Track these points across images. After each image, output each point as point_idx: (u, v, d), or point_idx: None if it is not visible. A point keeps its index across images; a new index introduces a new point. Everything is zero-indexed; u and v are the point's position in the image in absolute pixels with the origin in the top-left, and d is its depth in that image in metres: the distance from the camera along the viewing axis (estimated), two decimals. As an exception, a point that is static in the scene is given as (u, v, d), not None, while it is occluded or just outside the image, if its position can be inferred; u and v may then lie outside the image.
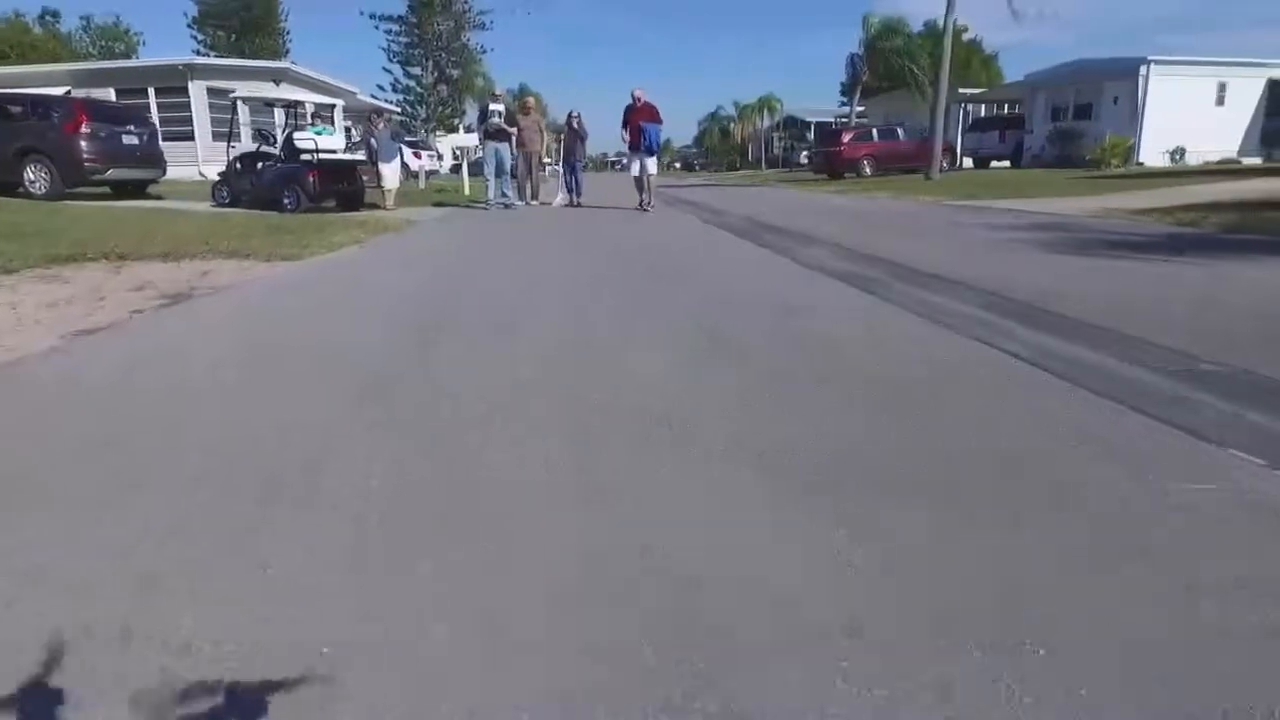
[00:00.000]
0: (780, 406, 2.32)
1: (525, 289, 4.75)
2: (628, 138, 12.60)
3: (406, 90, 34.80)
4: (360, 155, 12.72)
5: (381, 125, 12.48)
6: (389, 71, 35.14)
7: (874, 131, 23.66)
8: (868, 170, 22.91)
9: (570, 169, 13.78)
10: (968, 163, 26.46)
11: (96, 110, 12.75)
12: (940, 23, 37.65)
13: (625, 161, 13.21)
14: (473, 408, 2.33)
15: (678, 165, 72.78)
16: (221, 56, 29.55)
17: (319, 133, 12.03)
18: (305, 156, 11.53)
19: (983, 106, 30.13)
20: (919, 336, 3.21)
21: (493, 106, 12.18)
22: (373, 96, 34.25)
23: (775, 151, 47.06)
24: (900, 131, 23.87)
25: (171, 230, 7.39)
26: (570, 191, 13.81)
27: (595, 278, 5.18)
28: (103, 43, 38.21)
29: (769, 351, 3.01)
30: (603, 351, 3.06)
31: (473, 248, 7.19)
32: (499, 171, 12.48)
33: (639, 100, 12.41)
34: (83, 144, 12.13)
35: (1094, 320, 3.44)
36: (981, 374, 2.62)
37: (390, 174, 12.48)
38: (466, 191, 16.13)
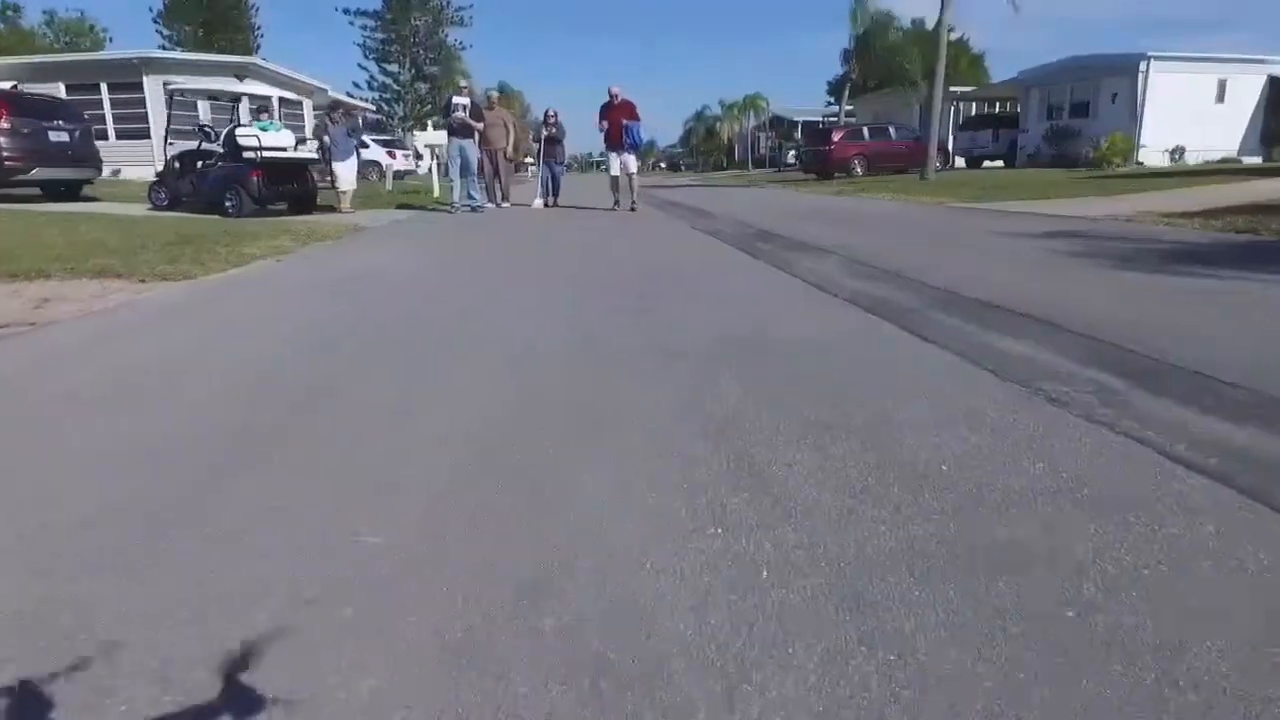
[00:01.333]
0: (854, 607, 1.21)
1: (461, 327, 3.61)
2: (606, 134, 11.56)
3: (383, 88, 33.43)
4: (311, 153, 11.49)
5: (337, 120, 11.25)
6: (365, 68, 33.78)
7: (865, 130, 22.67)
8: (859, 170, 21.93)
9: (548, 169, 12.80)
10: (959, 162, 25.54)
11: (18, 104, 11.42)
12: (927, 21, 36.69)
13: (606, 160, 12.11)
14: (307, 582, 1.21)
15: (663, 165, 71.72)
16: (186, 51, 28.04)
17: (264, 128, 10.80)
18: (248, 155, 10.31)
19: (973, 105, 29.26)
20: (1033, 433, 2.11)
21: (456, 100, 10.97)
22: (348, 94, 32.89)
23: (762, 151, 46.05)
24: (892, 130, 22.92)
25: (63, 239, 6.18)
26: (548, 193, 12.83)
27: (554, 305, 4.06)
28: (67, 38, 36.52)
29: (793, 449, 1.91)
30: (542, 461, 1.94)
31: (418, 261, 6.03)
32: (464, 171, 11.29)
33: (616, 97, 11.40)
34: (1, 141, 10.84)
35: (1236, 378, 2.37)
36: (1145, 488, 1.52)
37: (346, 174, 11.27)
38: (436, 193, 14.94)
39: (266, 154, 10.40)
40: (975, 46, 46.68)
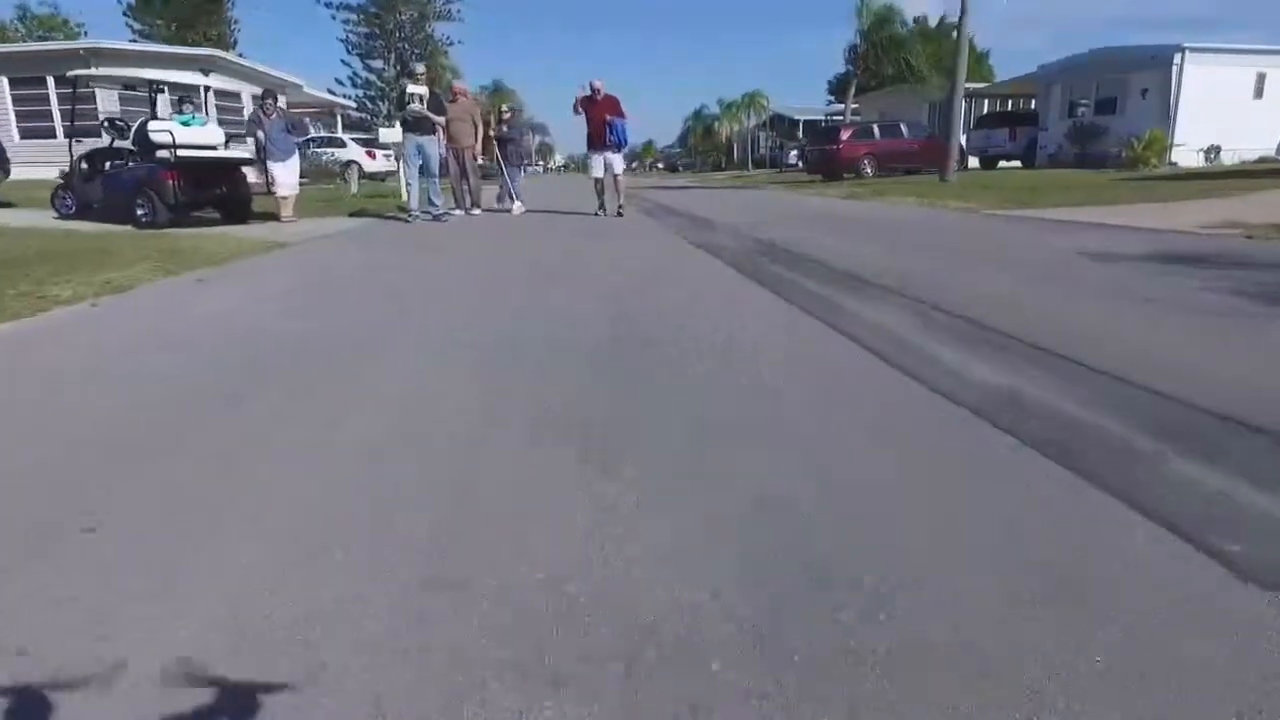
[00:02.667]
0: None
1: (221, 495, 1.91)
2: (588, 132, 9.91)
3: (367, 84, 31.60)
4: (246, 152, 9.74)
5: (273, 113, 9.50)
6: (347, 64, 31.95)
7: (875, 128, 20.93)
8: (869, 171, 20.23)
9: (502, 171, 11.16)
10: (973, 162, 23.81)
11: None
12: (929, 19, 34.90)
13: (588, 160, 10.43)
14: None
15: (660, 166, 69.93)
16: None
17: (185, 122, 9.07)
18: (162, 154, 8.58)
19: (985, 102, 27.54)
20: None
21: (411, 89, 9.21)
22: (330, 91, 31.10)
23: (761, 151, 44.26)
24: (904, 128, 21.19)
25: None
26: (510, 197, 11.13)
27: (439, 437, 2.36)
28: (40, 33, 34.67)
29: None
30: None
31: (297, 309, 4.34)
32: (424, 172, 9.57)
33: (599, 92, 9.74)
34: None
35: None
36: None
37: (284, 176, 9.52)
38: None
39: (185, 152, 8.68)
40: (978, 45, 45.04)
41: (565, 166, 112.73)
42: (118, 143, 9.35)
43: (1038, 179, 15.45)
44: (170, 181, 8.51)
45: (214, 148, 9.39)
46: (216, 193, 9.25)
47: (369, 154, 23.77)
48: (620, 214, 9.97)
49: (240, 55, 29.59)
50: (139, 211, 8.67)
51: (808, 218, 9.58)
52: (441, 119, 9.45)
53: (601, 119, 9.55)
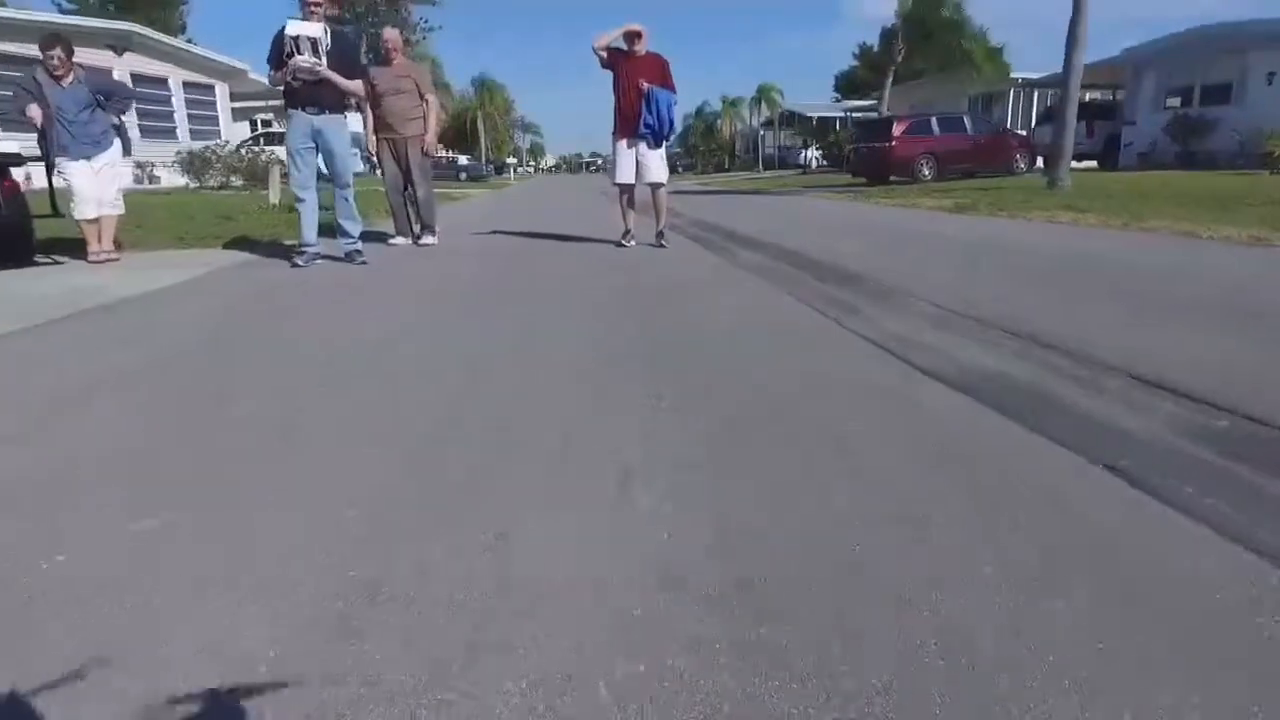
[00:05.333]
0: None
1: None
2: (615, 107, 5.87)
3: (335, 75, 27.47)
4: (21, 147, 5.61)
5: (67, 75, 5.33)
6: (313, 52, 27.76)
7: (933, 122, 16.96)
8: (926, 173, 16.35)
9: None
10: (1038, 163, 19.92)
11: None
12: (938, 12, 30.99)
13: (611, 156, 6.35)
14: None
15: (657, 166, 65.72)
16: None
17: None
18: None
19: (1035, 93, 23.71)
20: None
21: (294, 29, 4.84)
22: (293, 82, 26.82)
23: (769, 150, 40.20)
24: (966, 121, 17.29)
25: None
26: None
27: None
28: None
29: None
30: None
31: None
32: (336, 179, 5.42)
33: (639, 41, 5.67)
34: None
35: None
36: None
37: (89, 184, 5.38)
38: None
39: None
40: (994, 39, 41.16)
41: (556, 167, 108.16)
42: None
43: (1174, 184, 11.40)
44: None
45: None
46: (-44, 215, 5.12)
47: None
48: (661, 244, 5.97)
49: (190, 41, 25.26)
50: None
51: (949, 249, 5.55)
52: (357, 85, 5.30)
53: (636, 87, 5.49)
